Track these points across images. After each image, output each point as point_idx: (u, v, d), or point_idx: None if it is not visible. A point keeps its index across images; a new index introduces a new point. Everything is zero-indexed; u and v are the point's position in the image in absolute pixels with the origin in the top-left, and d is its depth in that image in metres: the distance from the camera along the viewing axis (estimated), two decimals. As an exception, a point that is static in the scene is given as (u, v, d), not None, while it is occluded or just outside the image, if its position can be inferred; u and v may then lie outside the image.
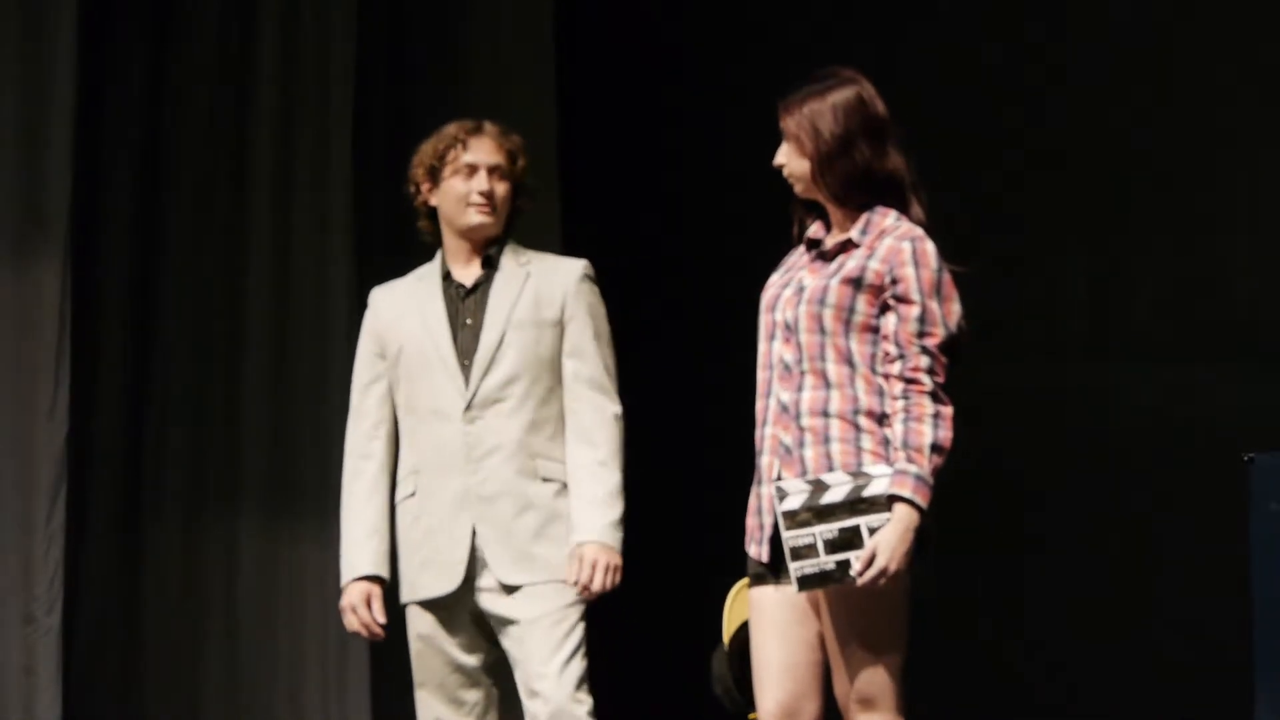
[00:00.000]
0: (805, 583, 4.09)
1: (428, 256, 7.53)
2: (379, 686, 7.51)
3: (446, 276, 5.21)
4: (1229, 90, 7.29)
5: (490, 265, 5.16)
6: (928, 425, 4.16)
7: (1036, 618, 7.48)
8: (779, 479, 4.23)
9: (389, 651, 7.65)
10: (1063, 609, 7.42)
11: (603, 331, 5.17)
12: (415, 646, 5.17)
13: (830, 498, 4.11)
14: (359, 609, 5.14)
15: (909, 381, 4.21)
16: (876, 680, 4.18)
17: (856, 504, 4.10)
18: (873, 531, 4.09)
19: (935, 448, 4.15)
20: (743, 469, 4.51)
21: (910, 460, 4.14)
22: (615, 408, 5.10)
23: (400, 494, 5.17)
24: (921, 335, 4.24)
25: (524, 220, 5.30)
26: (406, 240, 8.16)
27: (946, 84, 7.70)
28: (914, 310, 4.25)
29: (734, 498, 4.64)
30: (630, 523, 5.07)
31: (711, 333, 8.26)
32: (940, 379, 4.22)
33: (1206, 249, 7.38)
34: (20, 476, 7.06)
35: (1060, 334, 7.69)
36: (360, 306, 7.63)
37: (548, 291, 5.12)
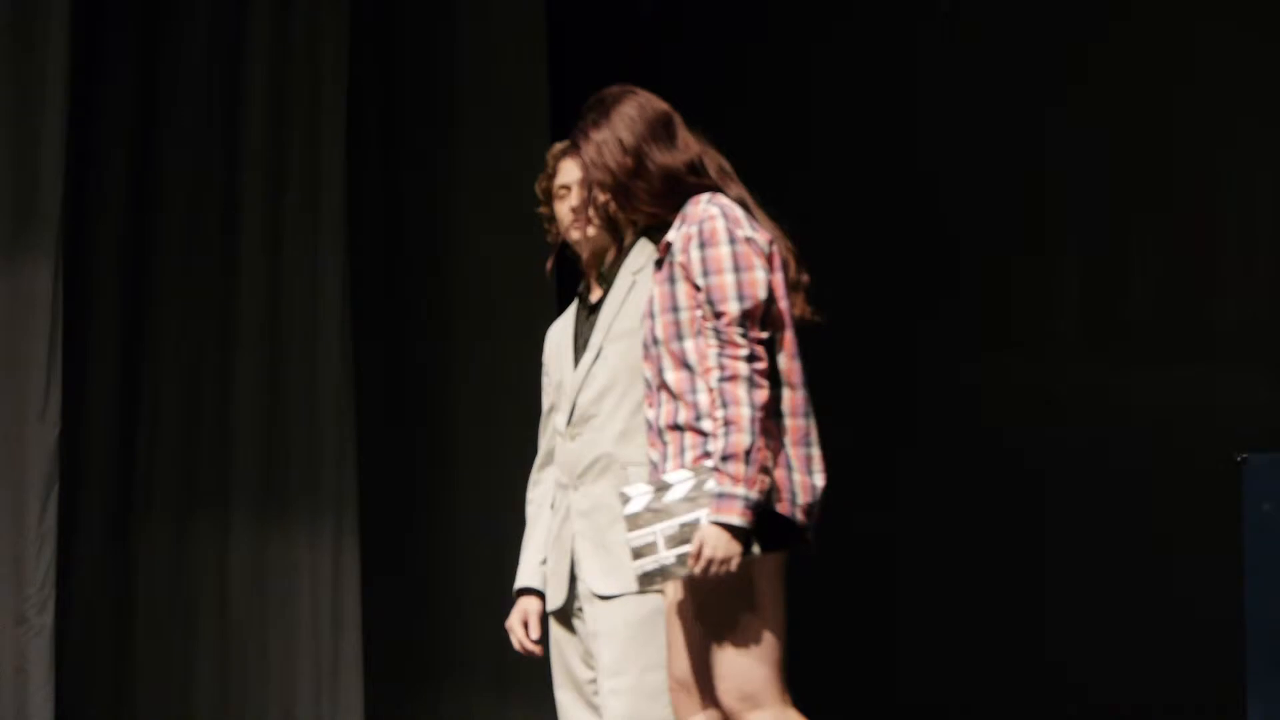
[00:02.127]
0: (646, 579, 4.10)
1: (421, 259, 7.52)
2: (371, 687, 7.52)
3: (583, 299, 5.18)
4: (1227, 87, 7.30)
5: (606, 280, 5.08)
6: (737, 430, 4.02)
7: (1026, 615, 7.49)
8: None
9: (380, 652, 7.69)
10: (1055, 607, 7.43)
11: None
12: (551, 652, 5.15)
13: (672, 495, 4.09)
14: (515, 628, 5.13)
15: (713, 369, 4.10)
16: (749, 679, 4.12)
17: (698, 499, 4.06)
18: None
19: (748, 452, 4.01)
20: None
21: (722, 476, 4.02)
22: None
23: None
24: (717, 316, 4.12)
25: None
26: (400, 239, 8.23)
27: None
28: (702, 294, 4.17)
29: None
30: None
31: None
32: (737, 355, 4.06)
33: (1198, 249, 7.37)
34: (11, 477, 7.04)
35: (1053, 332, 7.69)
36: (353, 306, 7.69)
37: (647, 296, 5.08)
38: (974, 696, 7.42)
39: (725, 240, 4.17)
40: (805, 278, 4.32)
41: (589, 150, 4.33)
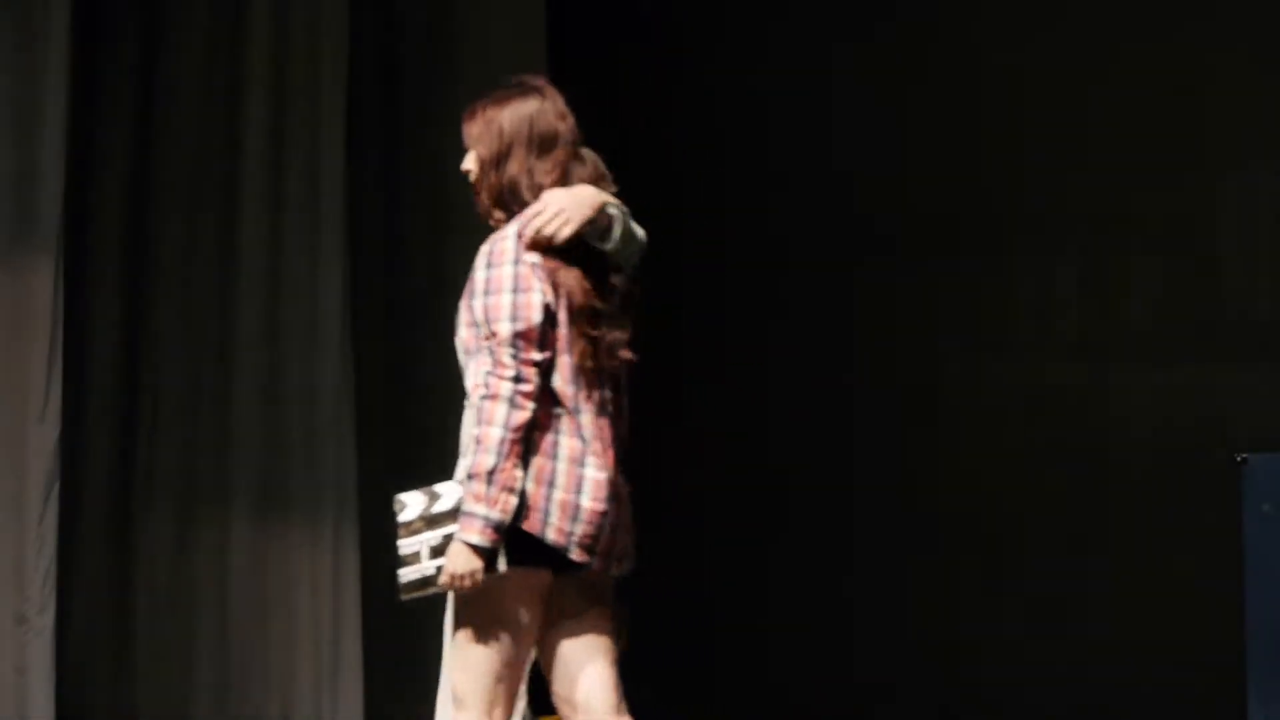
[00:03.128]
0: (407, 588, 4.16)
1: (421, 259, 7.49)
2: (371, 685, 7.52)
3: None
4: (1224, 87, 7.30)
5: None
6: (483, 450, 4.07)
7: (1026, 614, 7.49)
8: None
9: (381, 650, 7.68)
10: (1052, 606, 7.43)
11: None
12: None
13: (440, 506, 4.14)
14: None
15: (479, 387, 4.16)
16: (463, 681, 4.19)
17: (460, 512, 4.11)
18: None
19: (490, 472, 4.06)
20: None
21: (467, 494, 4.09)
22: None
23: None
24: (491, 335, 4.16)
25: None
26: (400, 241, 8.22)
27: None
28: (480, 312, 4.20)
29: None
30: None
31: (711, 326, 8.29)
32: (504, 375, 4.09)
33: (1198, 249, 7.37)
34: (12, 477, 7.04)
35: (1051, 333, 7.69)
36: (352, 308, 7.68)
37: None
38: (979, 695, 7.43)
39: (510, 261, 4.18)
40: (599, 304, 4.28)
41: (476, 122, 4.33)
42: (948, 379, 7.82)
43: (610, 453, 4.22)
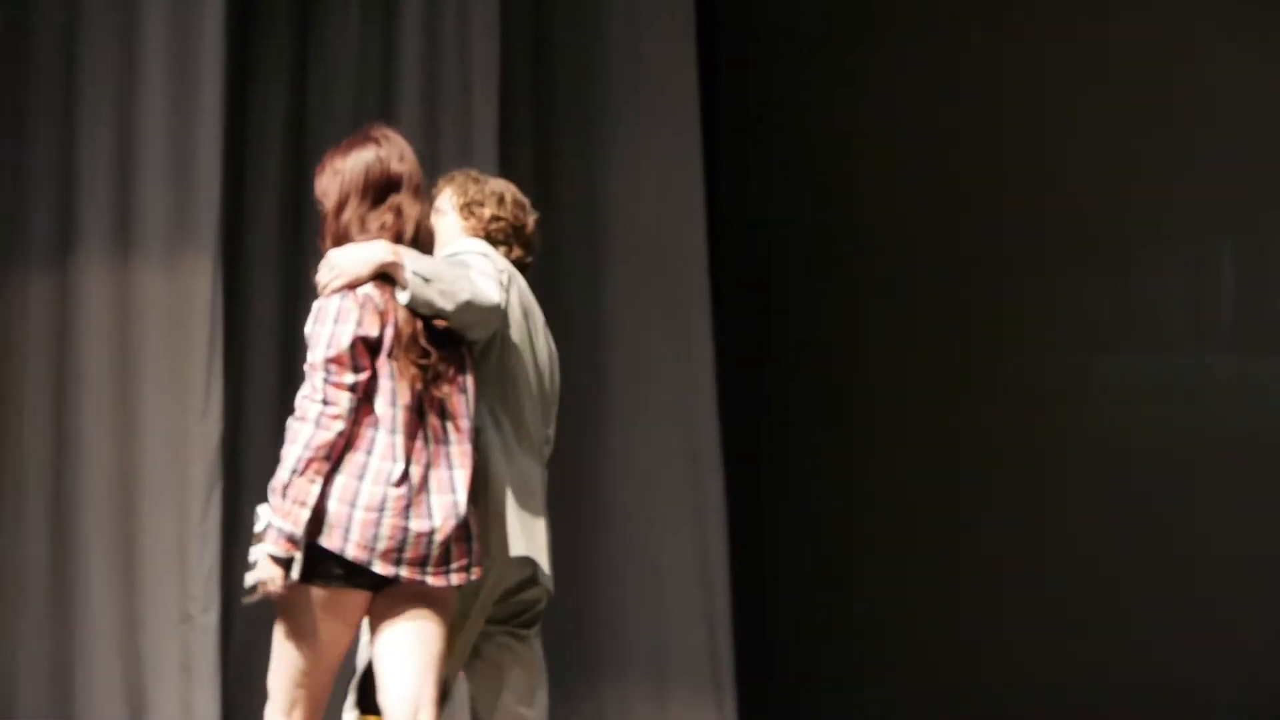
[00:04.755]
0: (246, 592, 4.54)
1: (575, 259, 7.49)
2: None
3: None
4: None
5: None
6: (283, 467, 4.42)
7: (1174, 610, 7.45)
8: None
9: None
10: (1227, 600, 7.39)
11: None
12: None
13: (261, 524, 4.53)
14: None
15: (295, 408, 4.51)
16: (272, 680, 4.60)
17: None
18: None
19: (285, 487, 4.41)
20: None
21: (270, 509, 4.45)
22: None
23: None
24: (310, 361, 4.50)
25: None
26: (551, 242, 8.24)
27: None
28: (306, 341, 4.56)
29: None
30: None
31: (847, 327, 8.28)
32: (314, 399, 4.42)
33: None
34: (174, 477, 7.14)
35: (1199, 326, 7.63)
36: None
37: None
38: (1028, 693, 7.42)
39: (341, 295, 4.52)
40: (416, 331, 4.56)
41: (324, 175, 4.67)
42: (1087, 372, 7.81)
43: (437, 473, 4.48)
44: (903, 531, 8.12)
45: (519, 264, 5.24)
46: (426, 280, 4.52)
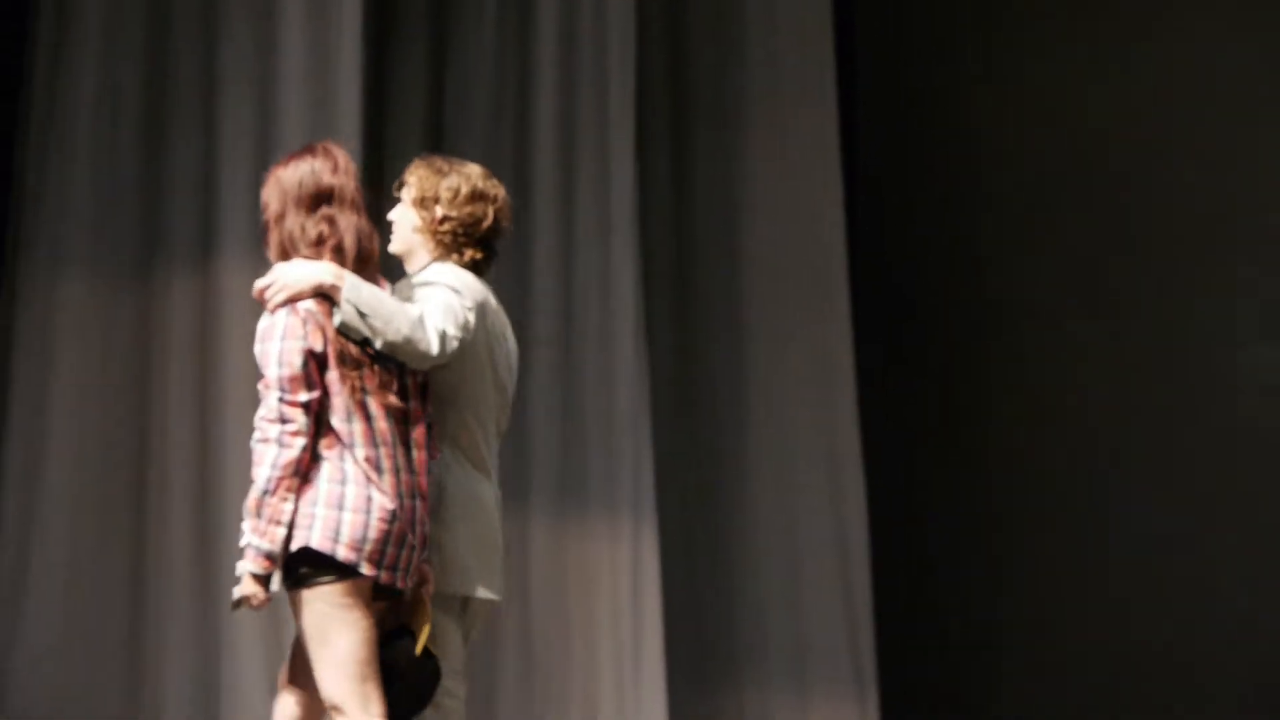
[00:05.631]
0: (234, 604, 4.68)
1: (711, 257, 7.47)
2: (674, 683, 7.53)
3: None
4: None
5: None
6: (254, 488, 4.57)
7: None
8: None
9: (680, 649, 7.71)
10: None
11: None
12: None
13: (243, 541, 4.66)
14: None
15: (255, 429, 4.62)
16: (332, 691, 4.61)
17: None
18: None
19: (259, 507, 4.57)
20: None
21: (246, 529, 4.60)
22: None
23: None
24: (263, 380, 4.61)
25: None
26: (691, 239, 8.24)
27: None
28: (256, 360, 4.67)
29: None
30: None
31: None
32: (272, 419, 4.56)
33: None
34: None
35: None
36: (645, 300, 7.71)
37: None
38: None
39: (286, 311, 4.61)
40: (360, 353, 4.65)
41: (268, 185, 4.74)
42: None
43: (391, 479, 4.63)
44: (1048, 529, 8.06)
45: (475, 266, 5.05)
46: (361, 314, 4.58)
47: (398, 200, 5.08)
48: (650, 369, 7.71)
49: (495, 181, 5.14)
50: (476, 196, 5.06)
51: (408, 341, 4.62)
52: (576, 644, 7.57)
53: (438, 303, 4.76)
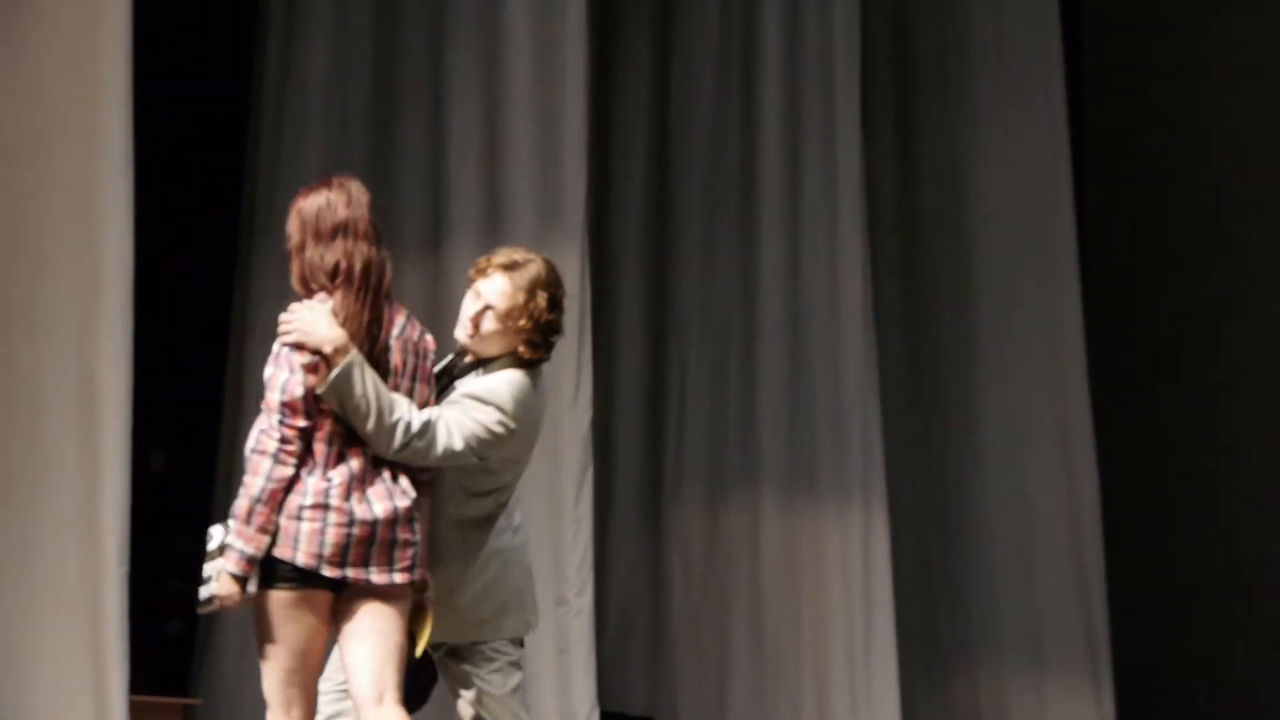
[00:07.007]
0: (201, 605, 4.85)
1: (938, 235, 7.40)
2: (906, 667, 7.50)
3: None
4: None
5: None
6: (245, 495, 4.74)
7: None
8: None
9: (914, 633, 7.67)
10: None
11: None
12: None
13: (215, 543, 4.85)
14: None
15: (252, 442, 4.81)
16: (264, 688, 4.85)
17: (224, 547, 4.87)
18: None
19: (249, 514, 4.74)
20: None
21: (232, 532, 4.77)
22: None
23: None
24: (265, 400, 4.81)
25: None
26: (917, 224, 8.20)
27: None
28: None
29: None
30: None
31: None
32: (272, 436, 4.76)
33: None
34: (548, 463, 7.22)
35: None
36: (872, 286, 7.68)
37: None
38: None
39: (293, 349, 4.82)
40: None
41: (290, 217, 4.92)
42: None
43: (360, 489, 4.81)
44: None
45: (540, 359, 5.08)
46: (341, 400, 4.75)
47: (470, 281, 5.11)
48: (878, 352, 7.69)
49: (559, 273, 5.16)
50: (555, 305, 5.08)
51: (391, 446, 4.79)
52: (807, 630, 7.56)
53: (471, 421, 4.88)
